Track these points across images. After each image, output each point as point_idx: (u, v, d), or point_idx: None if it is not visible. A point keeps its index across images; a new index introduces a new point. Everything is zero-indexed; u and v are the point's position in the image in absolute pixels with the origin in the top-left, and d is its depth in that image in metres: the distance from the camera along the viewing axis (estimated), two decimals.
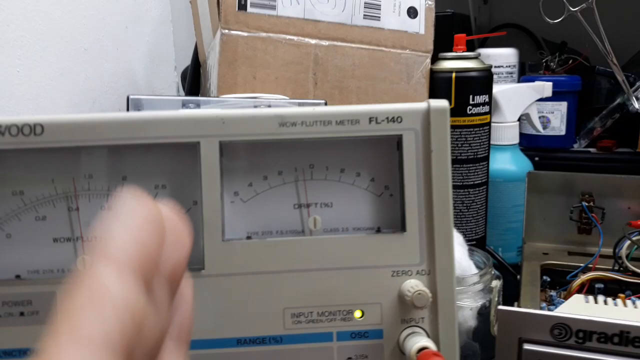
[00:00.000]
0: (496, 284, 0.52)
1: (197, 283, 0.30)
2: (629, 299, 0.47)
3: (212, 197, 0.30)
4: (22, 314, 0.30)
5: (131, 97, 0.45)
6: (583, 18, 0.71)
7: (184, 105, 0.49)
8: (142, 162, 0.31)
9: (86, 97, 0.72)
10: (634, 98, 0.75)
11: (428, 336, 0.30)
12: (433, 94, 0.57)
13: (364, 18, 0.55)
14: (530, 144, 0.81)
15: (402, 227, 0.31)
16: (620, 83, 0.75)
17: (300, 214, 0.31)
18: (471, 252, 0.57)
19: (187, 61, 0.75)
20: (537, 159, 0.81)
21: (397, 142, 0.31)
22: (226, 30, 0.51)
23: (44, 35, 0.65)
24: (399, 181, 0.31)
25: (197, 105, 0.50)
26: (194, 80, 0.66)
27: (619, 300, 0.43)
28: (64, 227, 0.31)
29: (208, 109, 0.32)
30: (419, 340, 0.29)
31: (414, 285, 0.30)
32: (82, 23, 0.72)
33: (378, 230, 0.31)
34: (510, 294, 0.53)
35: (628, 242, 0.55)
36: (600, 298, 0.43)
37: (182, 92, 0.82)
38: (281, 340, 0.30)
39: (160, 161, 0.31)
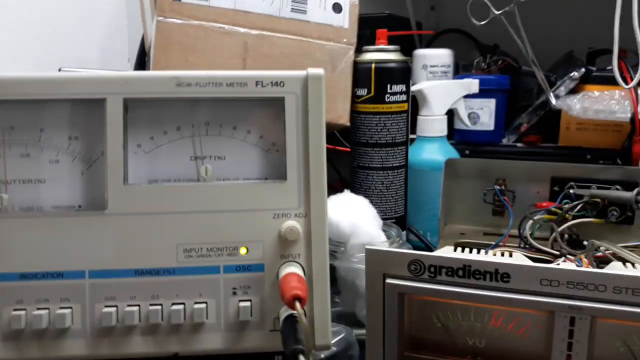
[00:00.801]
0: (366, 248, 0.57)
1: (100, 221, 0.34)
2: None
3: (115, 147, 0.35)
4: None
5: (63, 69, 0.50)
6: (510, 23, 0.77)
7: None
8: (57, 116, 0.35)
9: None
10: (552, 96, 0.81)
11: (303, 270, 0.35)
12: (356, 83, 0.62)
13: (291, 11, 0.60)
14: (461, 138, 0.87)
15: (284, 177, 0.36)
16: (540, 82, 0.81)
17: (196, 165, 0.36)
18: (389, 227, 0.61)
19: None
20: (467, 152, 0.86)
21: (280, 105, 0.36)
22: (161, 18, 0.56)
23: None
24: (284, 138, 0.36)
25: None
26: (140, 68, 0.70)
27: (483, 250, 0.48)
28: None
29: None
30: (289, 268, 0.33)
31: (290, 225, 0.35)
32: (37, 10, 0.76)
33: (263, 180, 0.36)
34: None
35: (531, 222, 0.61)
36: (467, 250, 0.48)
37: None
38: (174, 271, 0.35)
39: (73, 115, 0.35)
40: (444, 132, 0.75)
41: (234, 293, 0.35)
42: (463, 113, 0.82)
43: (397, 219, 0.66)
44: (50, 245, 0.34)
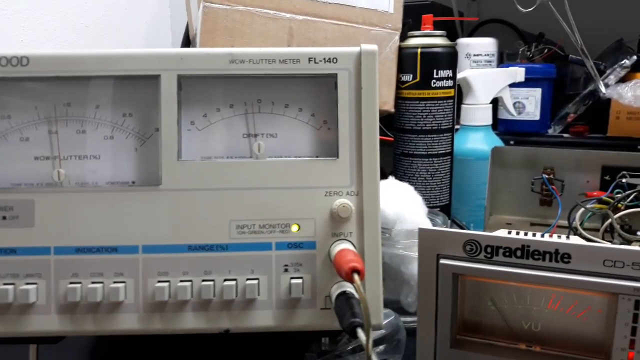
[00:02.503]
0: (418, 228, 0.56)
1: (155, 196, 0.34)
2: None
3: (169, 124, 0.35)
4: (4, 217, 0.34)
5: None
6: (558, 10, 0.75)
7: None
8: (112, 93, 0.36)
9: None
10: (601, 84, 0.78)
11: (355, 248, 0.34)
12: (400, 69, 0.61)
13: None
14: (506, 128, 0.85)
15: (336, 155, 0.35)
16: (589, 70, 0.79)
17: (249, 142, 0.36)
18: (434, 214, 0.60)
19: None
20: (512, 142, 0.85)
21: (335, 82, 0.36)
22: (208, 3, 0.56)
23: (47, 10, 0.71)
24: (336, 115, 0.36)
25: None
26: None
27: (538, 233, 0.47)
28: (45, 148, 0.35)
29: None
30: (342, 245, 0.33)
31: (342, 202, 0.34)
32: (84, 1, 0.77)
33: (315, 157, 0.36)
34: None
35: (581, 211, 0.59)
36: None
37: None
38: (227, 247, 0.35)
39: (127, 92, 0.36)
40: (489, 121, 0.74)
41: (286, 270, 0.35)
42: (508, 102, 0.80)
43: (441, 207, 0.65)
44: (105, 220, 0.34)
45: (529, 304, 0.35)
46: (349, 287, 0.33)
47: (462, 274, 0.34)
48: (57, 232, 0.34)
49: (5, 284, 0.34)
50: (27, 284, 0.34)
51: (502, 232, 0.46)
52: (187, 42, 0.73)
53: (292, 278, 0.34)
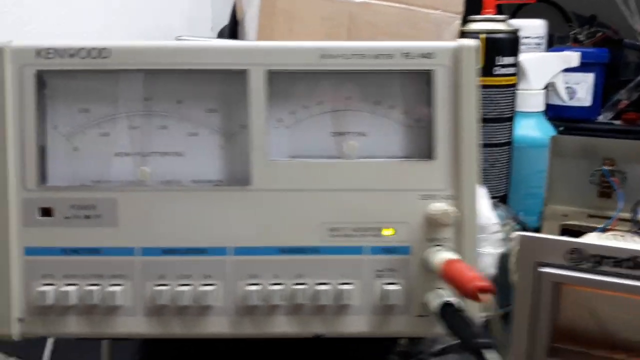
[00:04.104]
0: (516, 234, 0.55)
1: (244, 196, 0.33)
2: None
3: (258, 120, 0.33)
4: (87, 217, 0.33)
5: (179, 37, 0.48)
6: None
7: None
8: (196, 88, 0.34)
9: None
10: None
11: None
12: None
13: None
14: (556, 114, 0.83)
15: (432, 155, 0.34)
16: None
17: (337, 141, 0.34)
18: (495, 206, 0.59)
19: (223, 21, 0.78)
20: (561, 128, 0.82)
21: (428, 78, 0.34)
22: None
23: None
24: (430, 114, 0.34)
25: None
26: (231, 38, 0.69)
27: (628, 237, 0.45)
28: (126, 144, 0.34)
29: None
30: (445, 254, 0.31)
31: (440, 206, 0.33)
32: None
33: (409, 158, 0.34)
34: None
35: None
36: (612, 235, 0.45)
37: None
38: (319, 250, 0.33)
39: (211, 87, 0.34)
40: (541, 107, 0.71)
41: (379, 275, 0.33)
42: (561, 88, 0.78)
43: (499, 197, 0.63)
44: (192, 220, 0.33)
45: (631, 314, 0.33)
46: (447, 296, 0.32)
47: (564, 282, 0.33)
48: (142, 232, 0.33)
49: (90, 284, 0.33)
50: (113, 285, 0.33)
51: (593, 236, 0.44)
52: (234, 24, 0.71)
53: (385, 283, 0.33)
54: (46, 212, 0.33)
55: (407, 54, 0.34)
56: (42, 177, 0.34)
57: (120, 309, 0.33)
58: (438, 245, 0.33)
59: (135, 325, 0.33)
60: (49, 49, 0.33)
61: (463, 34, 0.60)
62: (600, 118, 0.83)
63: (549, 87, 0.72)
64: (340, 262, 0.33)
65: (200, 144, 0.34)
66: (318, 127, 0.34)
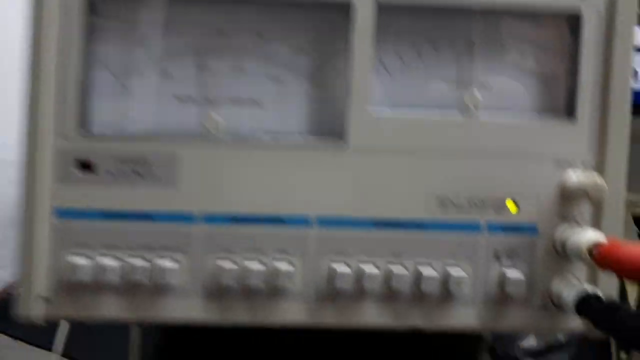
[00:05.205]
0: None
1: (336, 157, 0.27)
2: None
3: (361, 67, 0.27)
4: (137, 174, 0.27)
5: None
6: None
7: None
8: (281, 21, 0.28)
9: None
10: None
11: None
12: None
13: None
14: None
15: (572, 115, 0.27)
16: None
17: (456, 94, 0.28)
18: None
19: None
20: None
21: (569, 25, 0.27)
22: None
23: None
24: (572, 65, 0.28)
25: None
26: None
27: None
28: (190, 87, 0.28)
29: None
30: (591, 234, 0.25)
31: (581, 176, 0.26)
32: None
33: (542, 117, 0.28)
34: None
35: None
36: None
37: None
38: (424, 226, 0.27)
39: (301, 22, 0.28)
40: None
41: (497, 258, 0.27)
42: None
43: None
44: (269, 184, 0.27)
45: None
46: (585, 286, 0.25)
47: None
48: (205, 196, 0.27)
49: (135, 257, 0.27)
50: (164, 259, 0.27)
51: None
52: None
53: (505, 268, 0.27)
54: (86, 166, 0.27)
55: None
56: (84, 123, 0.27)
57: (172, 290, 0.27)
58: (572, 223, 0.27)
59: (190, 309, 0.27)
60: None
61: None
62: None
63: None
64: (449, 241, 0.27)
65: (285, 92, 0.28)
66: (433, 77, 0.28)
